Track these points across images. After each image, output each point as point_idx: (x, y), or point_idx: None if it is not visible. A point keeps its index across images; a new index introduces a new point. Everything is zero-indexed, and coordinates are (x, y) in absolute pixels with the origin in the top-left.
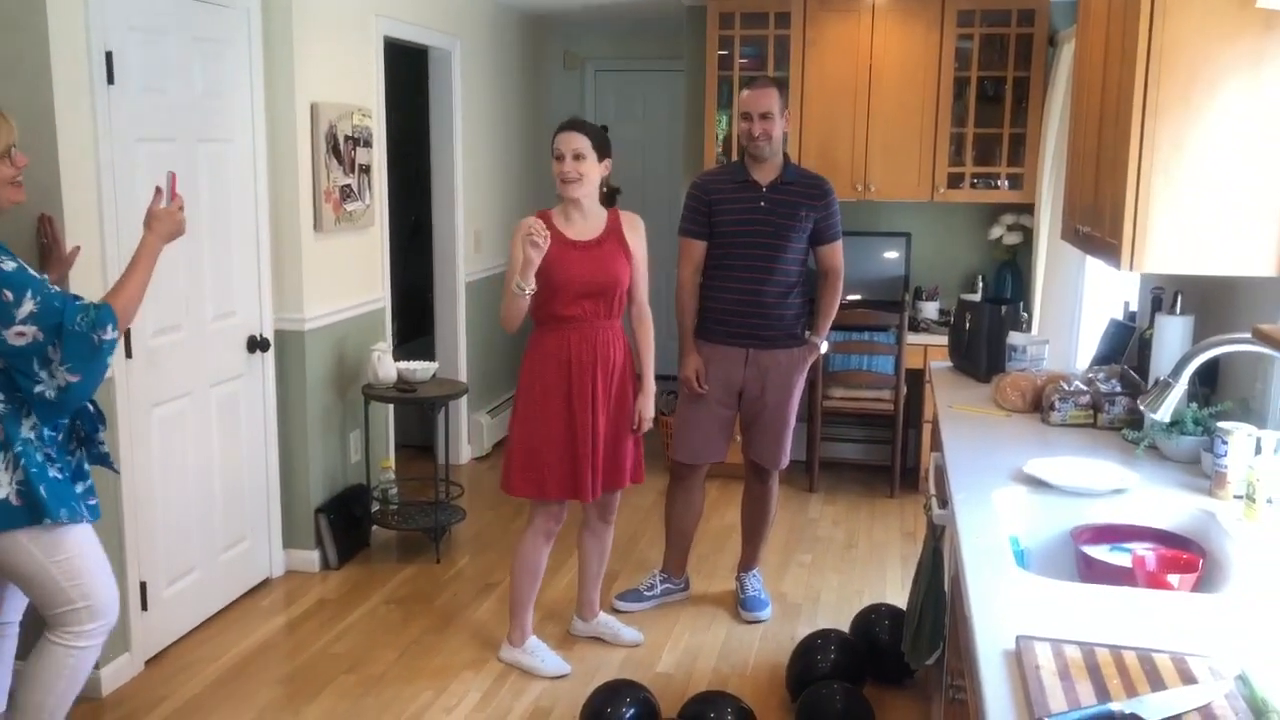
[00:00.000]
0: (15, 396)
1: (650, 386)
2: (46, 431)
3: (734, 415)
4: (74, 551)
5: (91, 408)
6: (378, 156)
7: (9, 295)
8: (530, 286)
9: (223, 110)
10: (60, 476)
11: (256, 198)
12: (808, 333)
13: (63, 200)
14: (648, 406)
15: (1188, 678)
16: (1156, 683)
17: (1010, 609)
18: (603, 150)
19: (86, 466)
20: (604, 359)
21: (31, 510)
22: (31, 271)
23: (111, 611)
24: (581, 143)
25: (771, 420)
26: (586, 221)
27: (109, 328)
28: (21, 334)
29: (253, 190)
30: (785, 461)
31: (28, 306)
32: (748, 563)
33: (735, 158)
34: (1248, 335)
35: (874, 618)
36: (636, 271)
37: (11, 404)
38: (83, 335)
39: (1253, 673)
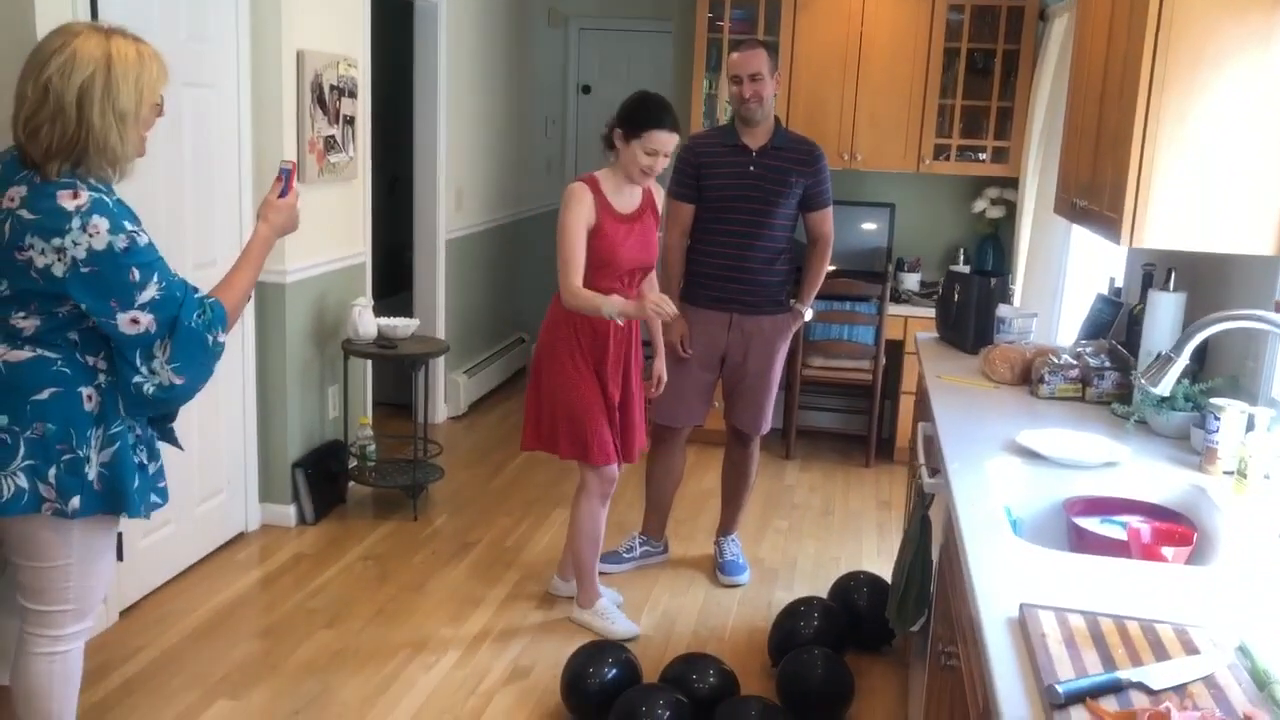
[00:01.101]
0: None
1: (661, 348)
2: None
3: (715, 380)
4: (102, 548)
5: None
6: (362, 108)
7: (136, 275)
8: (623, 321)
9: (208, 55)
10: (145, 463)
11: (240, 146)
12: (793, 300)
13: None
14: (662, 367)
15: (1190, 648)
16: (1160, 652)
17: (1010, 577)
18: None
19: (158, 445)
20: (630, 328)
21: (111, 499)
22: (158, 249)
23: (94, 614)
24: (676, 143)
25: (754, 386)
26: (630, 192)
27: (221, 329)
28: (136, 321)
29: (236, 138)
30: (766, 427)
31: (151, 291)
32: (726, 527)
33: (723, 121)
34: (1257, 312)
35: (853, 585)
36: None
37: (112, 376)
38: (198, 334)
39: (1252, 644)
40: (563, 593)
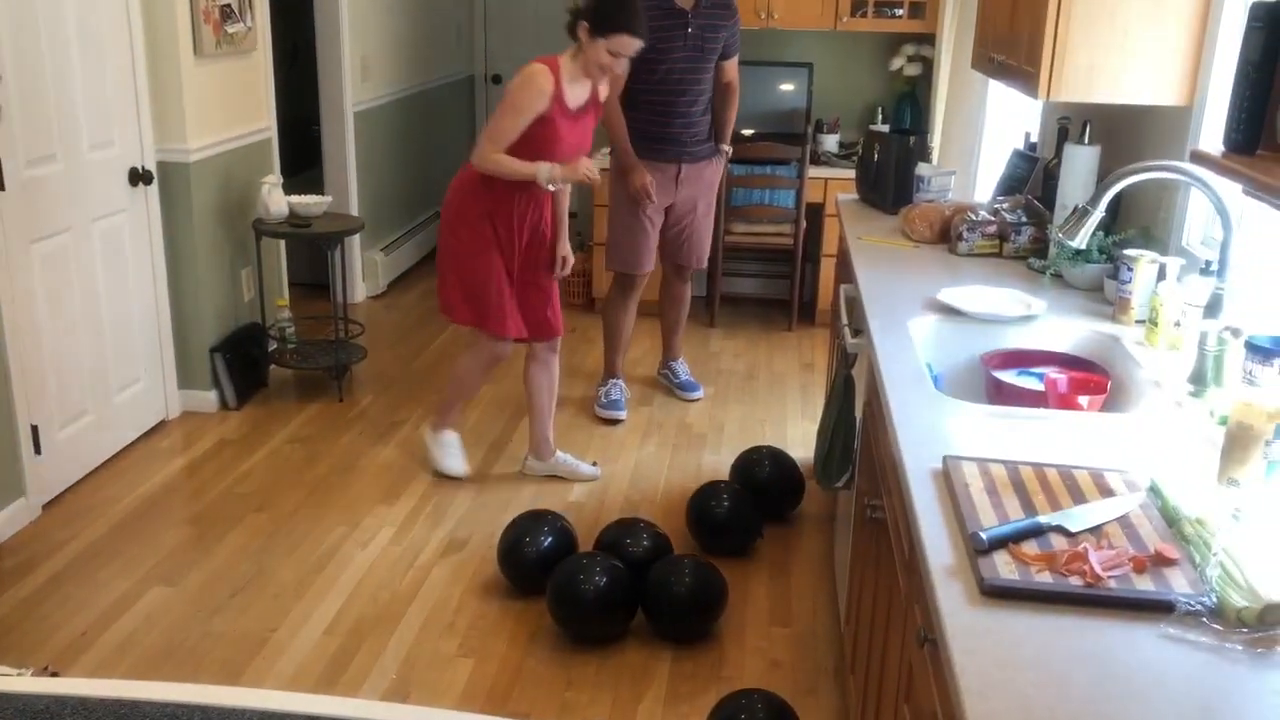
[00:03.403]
0: None
1: (565, 230)
2: None
3: (659, 228)
4: None
5: None
6: None
7: None
8: (562, 187)
9: None
10: None
11: (130, 16)
12: (721, 146)
13: None
14: (566, 245)
15: (1105, 491)
16: (1078, 496)
17: (933, 431)
18: None
19: None
20: (541, 210)
21: None
22: None
23: None
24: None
25: (701, 224)
26: (583, 85)
27: None
28: None
29: (125, 10)
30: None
31: None
32: (675, 354)
33: None
34: (1170, 163)
35: (755, 459)
36: None
37: None
38: None
39: (1163, 483)
40: (540, 472)
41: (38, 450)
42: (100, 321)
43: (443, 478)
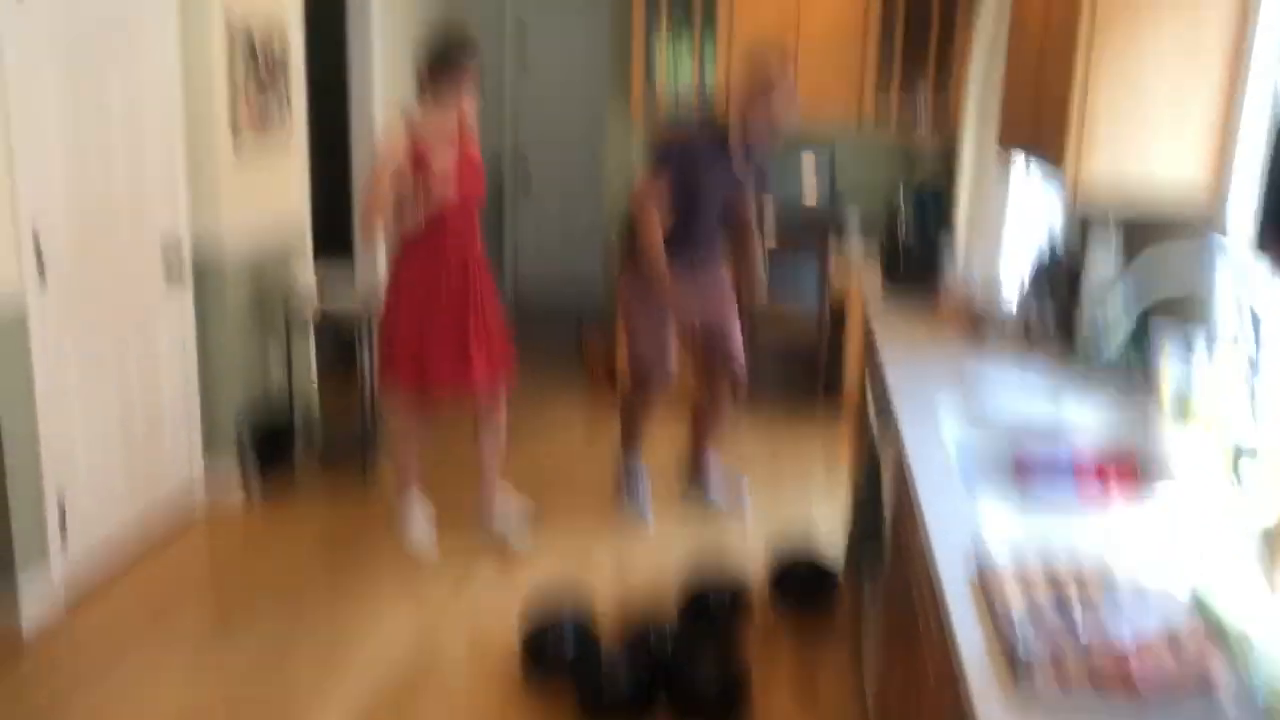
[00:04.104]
0: None
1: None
2: None
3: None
4: None
5: None
6: (296, 67)
7: None
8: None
9: (139, 13)
10: None
11: (172, 107)
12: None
13: None
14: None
15: (1146, 594)
16: (1116, 598)
17: (964, 523)
18: None
19: None
20: (470, 258)
21: None
22: None
23: None
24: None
25: (730, 328)
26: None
27: None
28: None
29: (168, 99)
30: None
31: None
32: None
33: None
34: (1198, 249)
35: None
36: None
37: None
38: None
39: (1206, 591)
40: (487, 540)
41: (64, 535)
42: (132, 411)
43: (469, 564)
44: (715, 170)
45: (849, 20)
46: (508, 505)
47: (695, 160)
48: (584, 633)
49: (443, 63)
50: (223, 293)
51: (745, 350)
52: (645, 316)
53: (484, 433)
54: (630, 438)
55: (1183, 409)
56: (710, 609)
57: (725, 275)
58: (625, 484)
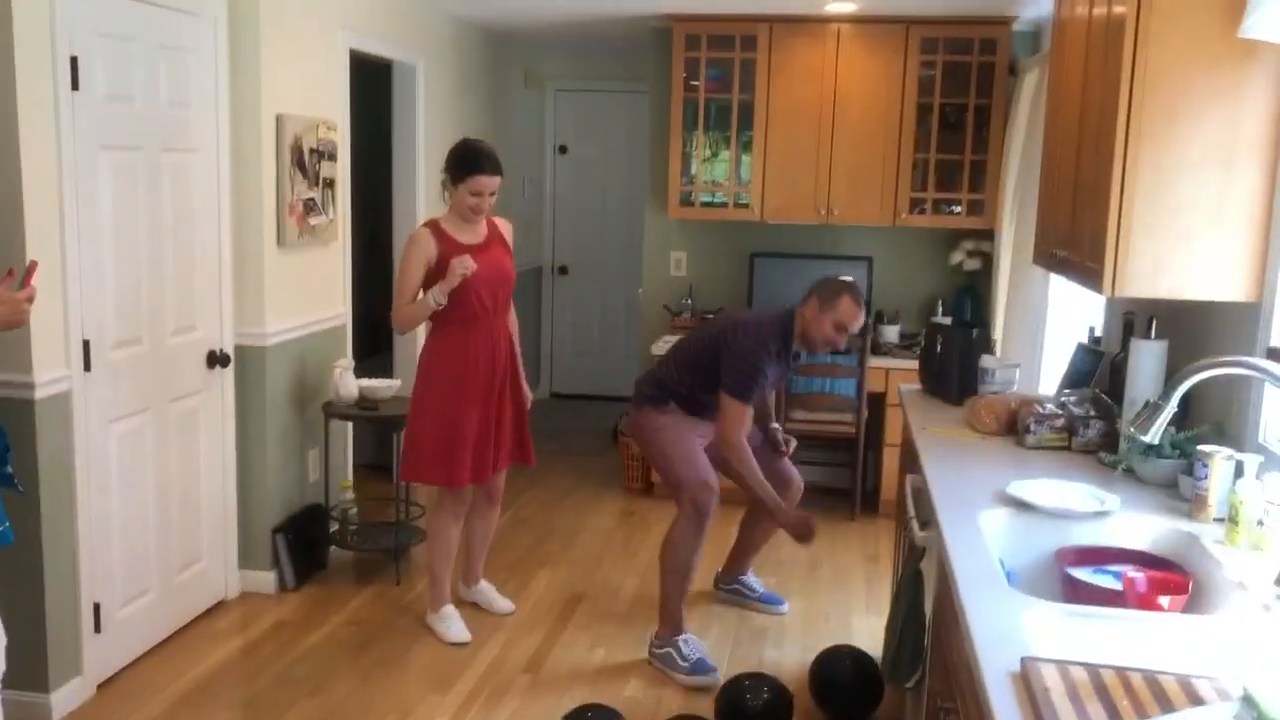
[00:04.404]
0: None
1: (521, 368)
2: None
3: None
4: None
5: None
6: (342, 170)
7: None
8: (445, 301)
9: (187, 120)
10: None
11: (220, 210)
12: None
13: (24, 209)
14: (522, 380)
15: (1195, 699)
16: (1165, 704)
17: (1009, 630)
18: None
19: None
20: (501, 350)
21: None
22: None
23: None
24: (497, 183)
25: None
26: (473, 228)
27: None
28: None
29: (216, 202)
30: None
31: None
32: (746, 568)
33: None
34: (1244, 359)
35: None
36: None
37: None
38: None
39: (1257, 692)
40: (466, 598)
41: (98, 629)
42: (170, 501)
43: (499, 664)
44: (775, 374)
45: (884, 126)
46: (492, 592)
47: (775, 368)
48: None
49: (461, 167)
50: (263, 387)
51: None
52: (677, 444)
53: (488, 510)
54: (679, 582)
55: (1230, 527)
56: (748, 714)
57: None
58: (676, 651)
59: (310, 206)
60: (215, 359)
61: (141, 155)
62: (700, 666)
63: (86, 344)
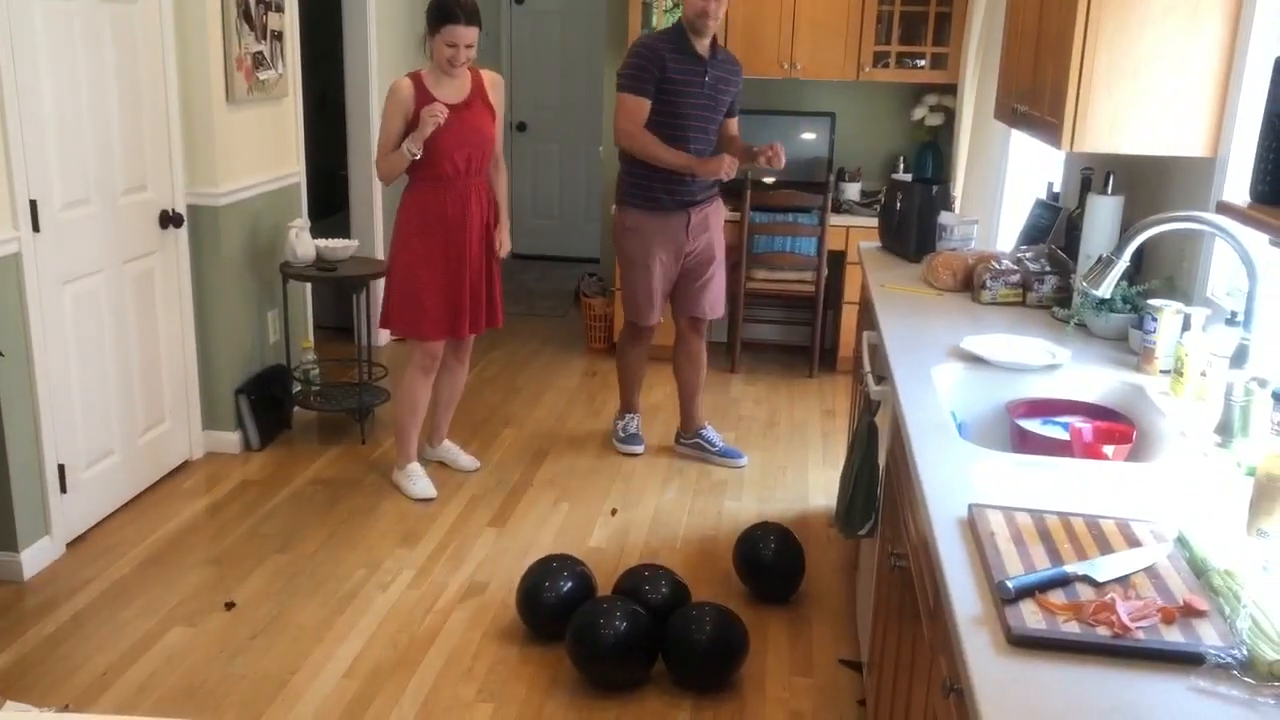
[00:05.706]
0: None
1: (506, 220)
2: None
3: (672, 280)
4: None
5: None
6: (290, 23)
7: None
8: (420, 151)
9: None
10: None
11: (165, 65)
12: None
13: None
14: (505, 236)
15: (1132, 541)
16: (1104, 546)
17: (958, 479)
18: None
19: None
20: (474, 211)
21: None
22: None
23: None
24: (475, 35)
25: (716, 270)
26: (455, 83)
27: None
28: None
29: (161, 57)
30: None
31: None
32: (700, 421)
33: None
34: (1195, 213)
35: (759, 535)
36: (498, 127)
37: None
38: None
39: (1190, 534)
40: (430, 458)
41: (64, 489)
42: (129, 362)
43: (464, 520)
44: (690, 83)
45: None
46: (457, 450)
47: (672, 67)
48: (581, 584)
49: (437, 17)
50: (218, 248)
51: (740, 303)
52: (634, 263)
53: (456, 368)
54: (625, 381)
55: (1175, 378)
56: (763, 563)
57: (718, 214)
58: (620, 425)
59: (259, 60)
60: (168, 219)
61: (78, 4)
62: (632, 441)
63: (34, 204)
